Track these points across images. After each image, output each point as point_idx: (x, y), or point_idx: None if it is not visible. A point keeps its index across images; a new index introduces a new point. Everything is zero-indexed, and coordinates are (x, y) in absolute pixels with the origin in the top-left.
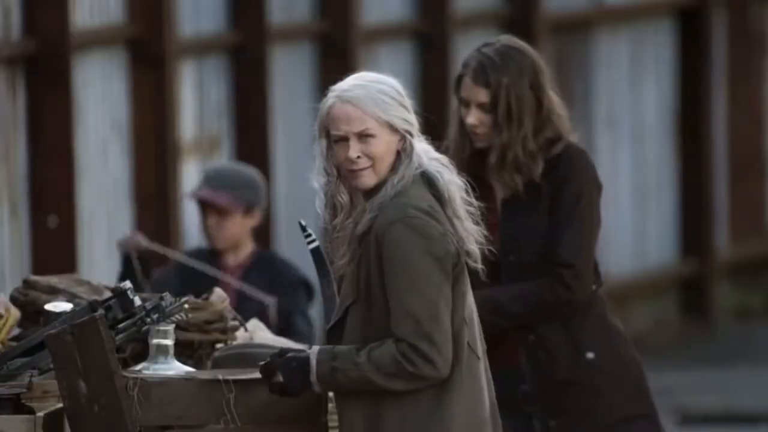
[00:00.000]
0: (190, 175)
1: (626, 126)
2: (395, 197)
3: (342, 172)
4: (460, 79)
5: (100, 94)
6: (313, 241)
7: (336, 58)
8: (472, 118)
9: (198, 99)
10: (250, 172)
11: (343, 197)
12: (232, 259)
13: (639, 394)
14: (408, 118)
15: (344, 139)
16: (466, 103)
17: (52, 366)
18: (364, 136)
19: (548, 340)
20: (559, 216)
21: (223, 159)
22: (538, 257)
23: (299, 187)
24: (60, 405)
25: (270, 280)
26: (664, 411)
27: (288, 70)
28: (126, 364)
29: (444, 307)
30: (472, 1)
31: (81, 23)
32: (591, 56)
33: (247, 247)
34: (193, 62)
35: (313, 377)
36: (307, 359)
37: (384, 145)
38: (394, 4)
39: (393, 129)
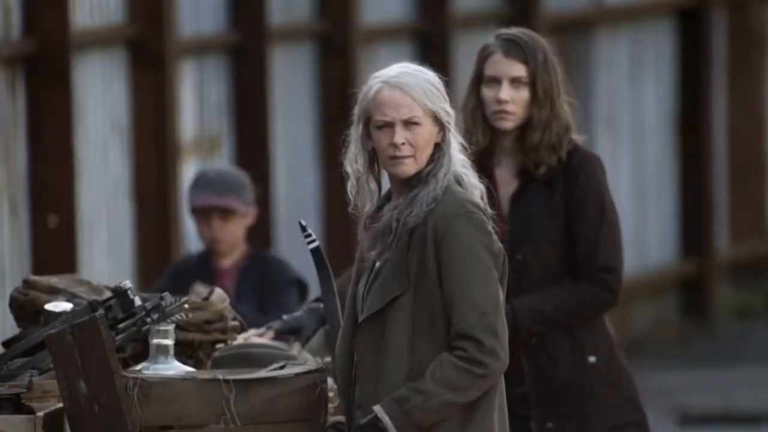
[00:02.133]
0: (190, 175)
1: (626, 126)
2: (445, 192)
3: (381, 159)
4: (485, 59)
5: (100, 94)
6: (313, 241)
7: (336, 58)
8: (505, 93)
9: (198, 99)
10: (242, 173)
11: (372, 185)
12: (227, 261)
13: (632, 400)
14: (449, 110)
15: (389, 125)
16: (494, 81)
17: (52, 366)
18: (410, 124)
19: (551, 342)
20: (586, 220)
21: (223, 159)
22: (548, 256)
23: (299, 187)
24: (60, 405)
25: (264, 280)
26: (664, 411)
27: (288, 70)
28: (126, 364)
29: (501, 301)
30: (471, 1)
31: (81, 23)
32: (591, 56)
33: (241, 248)
34: (193, 62)
35: (393, 431)
36: (376, 420)
37: (427, 135)
38: (394, 4)
39: (436, 120)
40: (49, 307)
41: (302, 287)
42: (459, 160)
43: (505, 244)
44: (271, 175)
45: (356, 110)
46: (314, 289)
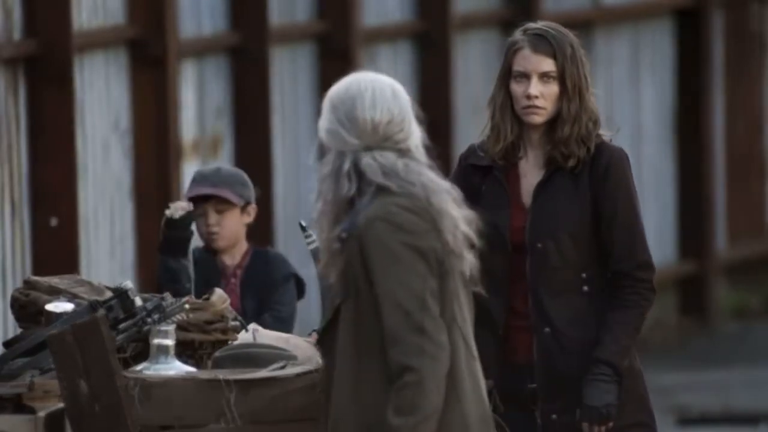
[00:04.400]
0: (190, 176)
1: (625, 126)
2: (375, 198)
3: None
4: (513, 54)
5: (101, 95)
6: (313, 241)
7: (336, 58)
8: (535, 89)
9: (198, 99)
10: (240, 171)
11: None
12: (230, 261)
13: (641, 401)
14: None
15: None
16: (523, 76)
17: (53, 366)
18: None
19: (564, 335)
20: (620, 220)
21: (224, 159)
22: (567, 246)
23: (299, 187)
24: (61, 405)
25: (264, 277)
26: (662, 411)
27: (288, 71)
28: (127, 364)
29: (431, 299)
30: (471, 2)
31: (82, 24)
32: (590, 56)
33: (243, 247)
34: (193, 63)
35: None
36: None
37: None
38: (394, 5)
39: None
40: (49, 307)
41: (299, 282)
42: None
43: (525, 233)
44: (272, 176)
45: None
46: (311, 286)
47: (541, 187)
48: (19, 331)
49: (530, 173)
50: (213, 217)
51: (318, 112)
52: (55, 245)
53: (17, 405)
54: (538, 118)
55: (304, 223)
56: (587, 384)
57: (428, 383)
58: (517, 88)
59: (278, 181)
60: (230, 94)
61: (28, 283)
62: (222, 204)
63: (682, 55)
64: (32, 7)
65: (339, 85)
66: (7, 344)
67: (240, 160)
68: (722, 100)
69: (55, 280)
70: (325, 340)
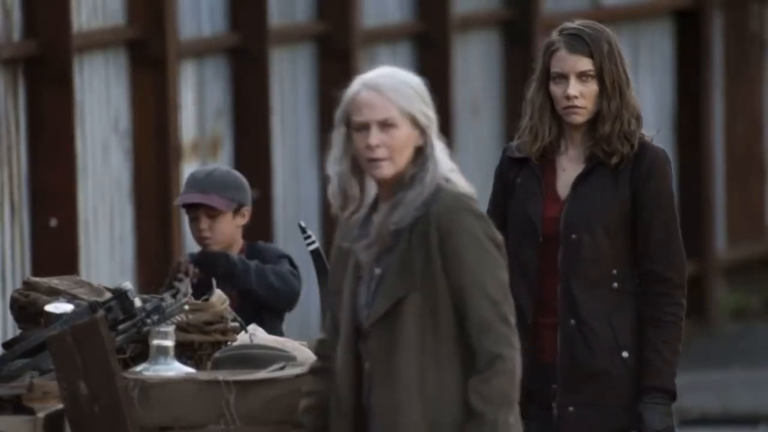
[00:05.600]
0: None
1: None
2: (437, 191)
3: (360, 162)
4: (550, 56)
5: (100, 95)
6: (312, 242)
7: (335, 59)
8: (574, 89)
9: (198, 100)
10: (235, 172)
11: (354, 190)
12: None
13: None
14: (429, 114)
15: (365, 127)
16: (561, 77)
17: (52, 367)
18: (386, 126)
19: (589, 329)
20: (659, 223)
21: (224, 160)
22: (601, 239)
23: (298, 188)
24: (60, 406)
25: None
26: None
27: (288, 72)
28: (126, 365)
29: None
30: (470, 3)
31: (81, 24)
32: None
33: (238, 248)
34: (193, 63)
35: None
36: None
37: (404, 138)
38: (393, 6)
39: (414, 122)
40: (49, 308)
41: (291, 263)
42: (446, 165)
43: (560, 223)
44: (271, 177)
45: (338, 112)
46: (311, 286)
47: (581, 179)
48: (18, 332)
49: (569, 167)
50: (205, 222)
51: (317, 113)
52: (54, 246)
53: (17, 406)
54: (579, 118)
55: (303, 224)
56: (645, 409)
57: (516, 373)
58: (556, 89)
59: (278, 182)
60: (230, 94)
61: (27, 284)
62: (213, 209)
63: (682, 55)
64: (32, 8)
65: (408, 74)
66: (6, 345)
67: (239, 161)
68: (722, 100)
69: (54, 281)
70: (375, 334)
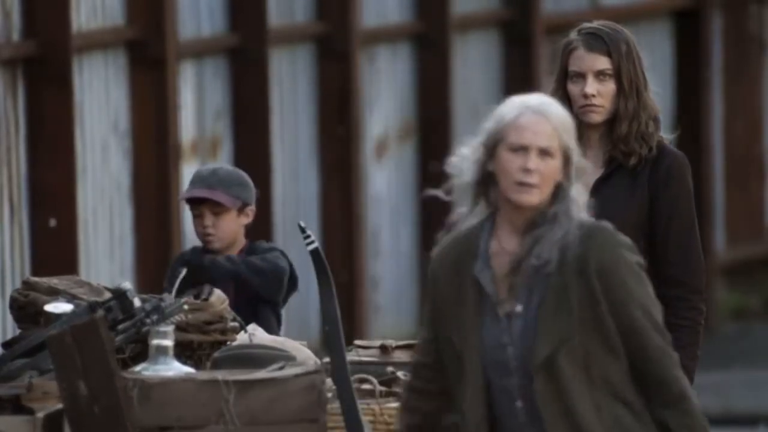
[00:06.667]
0: (189, 177)
1: None
2: (586, 227)
3: (505, 184)
4: (568, 55)
5: (100, 96)
6: (312, 242)
7: (335, 59)
8: (591, 88)
9: (198, 100)
10: (240, 171)
11: (478, 206)
12: None
13: None
14: (577, 152)
15: (524, 150)
16: (578, 76)
17: (52, 367)
18: (545, 153)
19: None
20: (677, 229)
21: (223, 160)
22: None
23: (298, 189)
24: (60, 406)
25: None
26: None
27: (287, 72)
28: (126, 365)
29: None
30: (469, 3)
31: (81, 25)
32: None
33: (240, 246)
34: (192, 64)
35: None
36: None
37: (556, 169)
38: (393, 6)
39: (566, 157)
40: (49, 308)
41: (284, 256)
42: (581, 201)
43: None
44: (271, 177)
45: (488, 130)
46: (310, 287)
47: (601, 182)
48: (18, 332)
49: (588, 171)
50: (209, 219)
51: (317, 114)
52: (54, 246)
53: (16, 406)
54: (597, 117)
55: (303, 224)
56: None
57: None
58: (573, 88)
59: (277, 182)
60: (229, 95)
61: (27, 284)
62: (218, 206)
63: (681, 56)
64: (31, 8)
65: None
66: (6, 345)
67: (239, 162)
68: (721, 101)
69: (54, 281)
70: (540, 380)
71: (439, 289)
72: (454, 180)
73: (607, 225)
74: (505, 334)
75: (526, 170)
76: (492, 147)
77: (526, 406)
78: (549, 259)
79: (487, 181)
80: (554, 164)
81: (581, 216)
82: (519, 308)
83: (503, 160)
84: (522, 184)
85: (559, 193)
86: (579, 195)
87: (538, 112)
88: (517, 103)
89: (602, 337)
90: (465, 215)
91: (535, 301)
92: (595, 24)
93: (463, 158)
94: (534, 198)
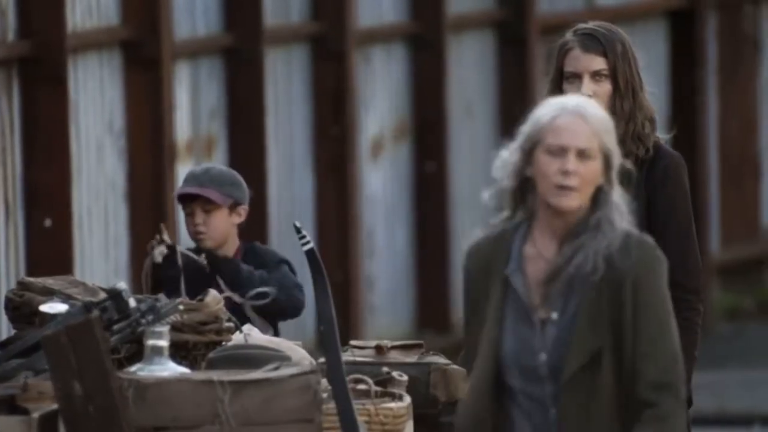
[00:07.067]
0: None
1: None
2: (630, 236)
3: (544, 188)
4: (564, 55)
5: (95, 96)
6: (307, 242)
7: (330, 60)
8: (587, 89)
9: (193, 101)
10: (233, 171)
11: (511, 211)
12: None
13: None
14: (618, 155)
15: (562, 152)
16: (574, 77)
17: (47, 367)
18: (583, 155)
19: None
20: (674, 230)
21: (218, 160)
22: None
23: (293, 189)
24: (55, 406)
25: (257, 265)
26: None
27: (282, 72)
28: (121, 365)
29: None
30: (464, 4)
31: (76, 25)
32: None
33: (234, 247)
34: (187, 64)
35: None
36: None
37: (596, 172)
38: (388, 7)
39: (606, 160)
40: (44, 308)
41: (290, 266)
42: (623, 208)
43: None
44: (266, 177)
45: (526, 131)
46: (306, 287)
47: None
48: (13, 332)
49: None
50: (200, 217)
51: (312, 114)
52: (49, 246)
53: (11, 406)
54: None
55: (298, 224)
56: None
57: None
58: (569, 88)
59: (272, 183)
60: (224, 95)
61: (22, 284)
62: (209, 204)
63: (676, 56)
64: (26, 8)
65: (598, 107)
66: (1, 345)
67: (234, 162)
68: (716, 101)
69: (49, 281)
70: (570, 389)
71: (471, 287)
72: (497, 185)
73: (648, 239)
74: (538, 340)
75: (565, 172)
76: (529, 151)
77: (560, 414)
78: (592, 270)
79: (524, 187)
80: (594, 166)
81: (624, 224)
82: (555, 316)
83: (541, 164)
84: (561, 188)
85: (599, 197)
86: (621, 200)
87: (575, 113)
88: (554, 104)
89: (624, 348)
90: (506, 220)
91: (570, 310)
92: (591, 24)
93: (504, 163)
94: (574, 202)
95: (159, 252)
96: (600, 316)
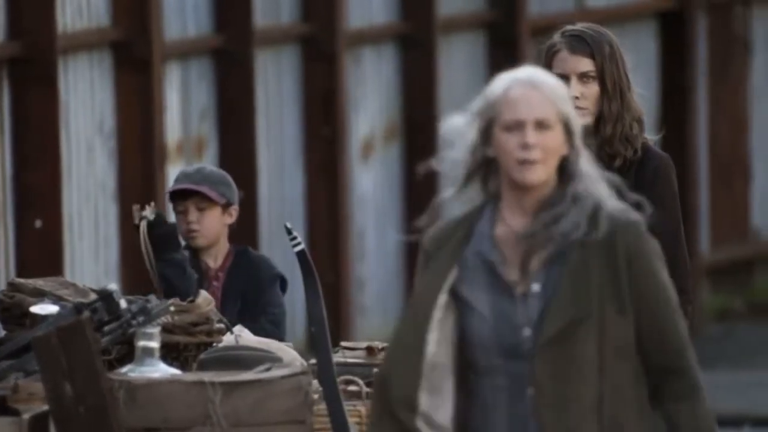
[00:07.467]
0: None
1: None
2: (607, 204)
3: (507, 165)
4: (551, 57)
5: (85, 97)
6: (298, 243)
7: (320, 60)
8: (575, 90)
9: (183, 101)
10: (224, 171)
11: (473, 192)
12: (212, 263)
13: None
14: (578, 121)
15: (519, 126)
16: (562, 78)
17: (37, 368)
18: (542, 126)
19: None
20: (663, 230)
21: (208, 161)
22: None
23: (283, 189)
24: (46, 407)
25: (248, 278)
26: None
27: (273, 73)
28: (112, 366)
29: None
30: (455, 4)
31: (66, 25)
32: None
33: (225, 248)
34: (178, 65)
35: None
36: None
37: (558, 141)
38: (378, 7)
39: (567, 127)
40: (34, 309)
41: (284, 283)
42: (594, 174)
43: None
44: (256, 178)
45: (478, 106)
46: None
47: None
48: (3, 333)
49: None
50: (193, 215)
51: (303, 115)
52: (39, 247)
53: (1, 407)
54: (580, 119)
55: (289, 225)
56: None
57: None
58: None
59: (263, 183)
60: (215, 96)
61: (12, 285)
62: (203, 202)
63: (666, 57)
64: (17, 9)
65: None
66: None
67: (224, 162)
68: (706, 102)
69: (39, 283)
70: (544, 358)
71: (427, 266)
72: (445, 152)
73: (626, 210)
74: (521, 314)
75: (525, 146)
76: (486, 130)
77: (534, 393)
78: (576, 235)
79: (485, 168)
80: (554, 136)
81: (602, 192)
82: (536, 287)
83: (501, 142)
84: (524, 162)
85: (567, 168)
86: (590, 166)
87: (527, 84)
88: (505, 77)
89: (620, 319)
90: (451, 198)
91: (552, 280)
92: (579, 26)
93: (458, 131)
94: (538, 175)
95: (151, 211)
96: (585, 287)
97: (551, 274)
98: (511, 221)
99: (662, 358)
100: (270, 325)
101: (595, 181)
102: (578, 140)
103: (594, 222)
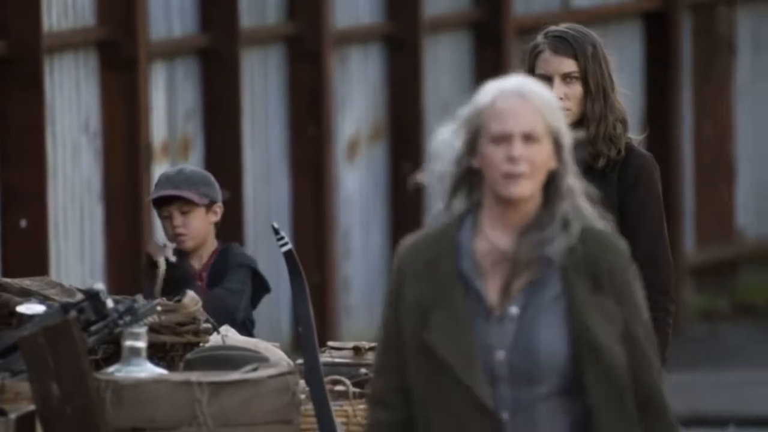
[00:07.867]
0: None
1: None
2: (591, 229)
3: (490, 177)
4: (534, 58)
5: (71, 97)
6: (285, 244)
7: (306, 60)
8: (558, 91)
9: (169, 101)
10: (203, 170)
11: (457, 205)
12: (197, 263)
13: None
14: (568, 135)
15: (506, 139)
16: (545, 79)
17: (24, 368)
18: (529, 139)
19: None
20: (645, 231)
21: (194, 161)
22: None
23: (269, 190)
24: (32, 407)
25: (222, 269)
26: None
27: (258, 73)
28: (98, 366)
29: None
30: (441, 4)
31: (52, 25)
32: None
33: (212, 247)
34: (163, 65)
35: None
36: None
37: (546, 155)
38: (364, 7)
39: (556, 141)
40: (21, 309)
41: (254, 272)
42: (581, 192)
43: None
44: (242, 178)
45: (462, 119)
46: (283, 288)
47: None
48: None
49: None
50: (178, 219)
51: (288, 114)
52: (24, 247)
53: None
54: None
55: (276, 225)
56: None
57: None
58: None
59: (248, 183)
60: (200, 96)
61: None
62: (186, 205)
63: (651, 57)
64: (2, 9)
65: (542, 86)
66: None
67: (210, 162)
68: (691, 102)
69: (26, 282)
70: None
71: (407, 290)
72: (433, 165)
73: (609, 231)
74: (496, 337)
75: (512, 159)
76: (472, 141)
77: (513, 419)
78: (562, 256)
79: (469, 179)
80: (542, 149)
81: (588, 212)
82: (514, 310)
83: (487, 154)
84: (509, 176)
85: (555, 183)
86: (578, 184)
87: (515, 94)
88: (493, 87)
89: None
90: (441, 213)
91: (533, 304)
92: (562, 27)
93: (445, 144)
94: (524, 189)
95: (170, 251)
96: (603, 311)
97: (531, 298)
98: (492, 236)
99: (634, 375)
100: (223, 290)
101: (581, 199)
102: (567, 154)
103: (580, 246)
